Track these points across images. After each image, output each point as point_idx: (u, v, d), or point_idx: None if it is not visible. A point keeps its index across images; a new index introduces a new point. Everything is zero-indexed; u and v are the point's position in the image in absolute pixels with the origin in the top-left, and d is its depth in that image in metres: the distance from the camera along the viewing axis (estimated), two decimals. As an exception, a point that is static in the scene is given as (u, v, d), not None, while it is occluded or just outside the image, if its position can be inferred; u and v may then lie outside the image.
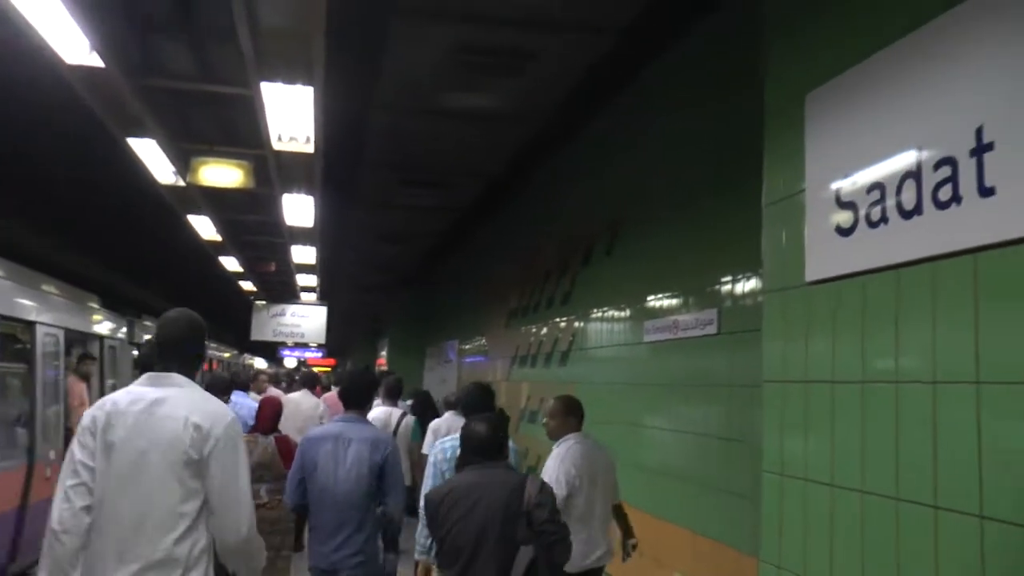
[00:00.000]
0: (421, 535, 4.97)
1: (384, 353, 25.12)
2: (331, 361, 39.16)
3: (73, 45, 5.51)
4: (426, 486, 5.21)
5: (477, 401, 5.51)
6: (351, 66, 6.14)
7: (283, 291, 21.73)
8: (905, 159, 3.05)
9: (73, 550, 3.18)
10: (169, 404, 3.27)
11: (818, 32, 3.74)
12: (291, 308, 21.58)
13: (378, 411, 7.82)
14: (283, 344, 29.11)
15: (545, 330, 10.83)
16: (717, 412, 6.02)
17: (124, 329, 13.53)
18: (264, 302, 21.64)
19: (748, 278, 5.70)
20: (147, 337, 14.74)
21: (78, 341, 11.22)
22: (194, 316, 3.55)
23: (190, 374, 3.45)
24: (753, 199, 4.94)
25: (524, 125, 9.36)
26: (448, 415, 8.00)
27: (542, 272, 11.11)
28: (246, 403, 9.46)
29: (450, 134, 9.61)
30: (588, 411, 7.14)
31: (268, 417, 7.09)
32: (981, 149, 2.70)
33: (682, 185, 6.82)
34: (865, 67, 3.32)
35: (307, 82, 6.19)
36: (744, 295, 5.76)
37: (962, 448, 2.75)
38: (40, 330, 9.42)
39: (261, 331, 21.30)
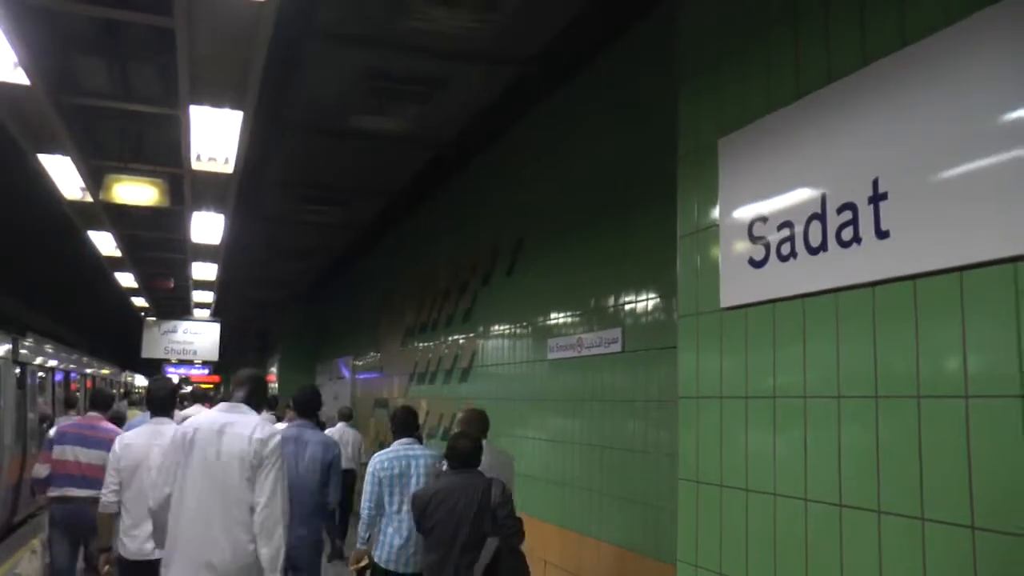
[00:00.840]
0: (361, 530, 6.04)
1: (274, 369, 24.88)
2: (215, 378, 38.45)
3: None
4: (367, 492, 5.93)
5: (408, 423, 6.36)
6: (272, 90, 6.30)
7: (176, 307, 21.37)
8: (812, 202, 3.48)
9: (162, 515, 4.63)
10: (238, 425, 4.67)
11: (727, 83, 4.17)
12: (183, 325, 21.30)
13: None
14: (167, 361, 28.51)
15: (445, 348, 11.06)
16: (623, 426, 6.38)
17: (7, 347, 13.20)
18: (154, 319, 21.25)
19: (651, 299, 6.08)
20: (30, 358, 14.46)
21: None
22: (259, 373, 5.35)
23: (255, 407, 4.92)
24: (657, 222, 5.35)
25: (428, 147, 9.65)
26: (340, 425, 10.52)
27: (441, 290, 11.35)
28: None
29: (354, 154, 9.80)
30: (494, 425, 7.53)
31: None
32: (877, 198, 3.14)
33: (586, 207, 7.14)
34: (778, 116, 3.75)
35: (237, 106, 6.36)
36: (648, 314, 6.13)
37: (863, 453, 3.17)
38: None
39: (152, 349, 20.94)
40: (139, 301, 21.07)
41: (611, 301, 6.69)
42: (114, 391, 26.46)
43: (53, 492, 7.42)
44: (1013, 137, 2.68)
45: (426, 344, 12.04)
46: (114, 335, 26.71)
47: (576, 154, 7.49)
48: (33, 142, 7.60)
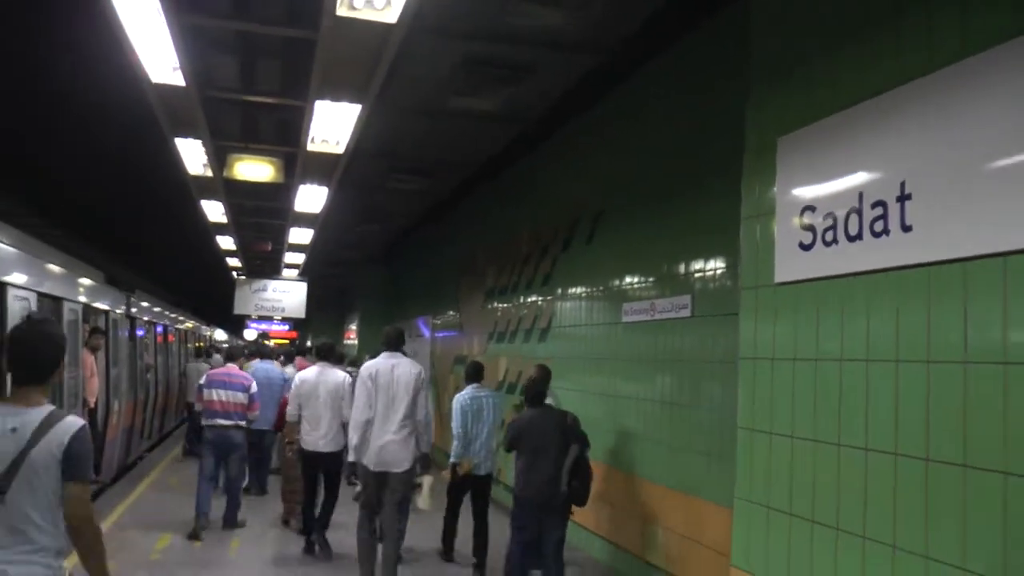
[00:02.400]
0: (457, 448, 8.27)
1: (354, 327, 25.95)
2: (293, 334, 39.95)
3: (162, 65, 6.51)
4: (457, 421, 8.32)
5: (477, 372, 8.80)
6: (384, 82, 7.09)
7: (266, 267, 22.49)
8: (852, 198, 4.19)
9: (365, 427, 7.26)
10: (405, 363, 7.41)
11: (791, 90, 4.87)
12: (272, 284, 22.38)
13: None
14: (249, 317, 29.81)
15: (525, 309, 11.84)
16: (691, 385, 7.13)
17: (124, 304, 14.37)
18: (245, 278, 22.42)
19: (719, 269, 6.77)
20: (139, 314, 15.70)
21: (90, 315, 12.10)
22: (400, 328, 8.01)
23: (403, 352, 7.59)
24: (723, 198, 6.01)
25: (516, 123, 10.38)
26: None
27: (522, 254, 12.05)
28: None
29: (447, 130, 10.58)
30: (567, 381, 8.42)
31: None
32: (904, 198, 3.84)
33: (660, 183, 7.81)
34: (828, 122, 4.45)
35: (356, 101, 7.22)
36: (715, 282, 6.83)
37: (886, 407, 3.90)
38: (66, 306, 10.27)
39: (243, 305, 22.14)
40: (233, 262, 22.29)
41: (682, 269, 7.38)
42: (200, 344, 28.15)
43: (206, 422, 9.93)
44: (1008, 159, 3.36)
45: (506, 305, 12.78)
46: (208, 293, 28.13)
47: (652, 133, 8.15)
48: (172, 128, 8.59)
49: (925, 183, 3.77)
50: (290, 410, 8.98)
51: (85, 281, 11.62)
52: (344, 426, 8.49)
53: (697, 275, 7.12)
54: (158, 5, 5.35)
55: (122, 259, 21.45)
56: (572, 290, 10.06)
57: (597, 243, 9.37)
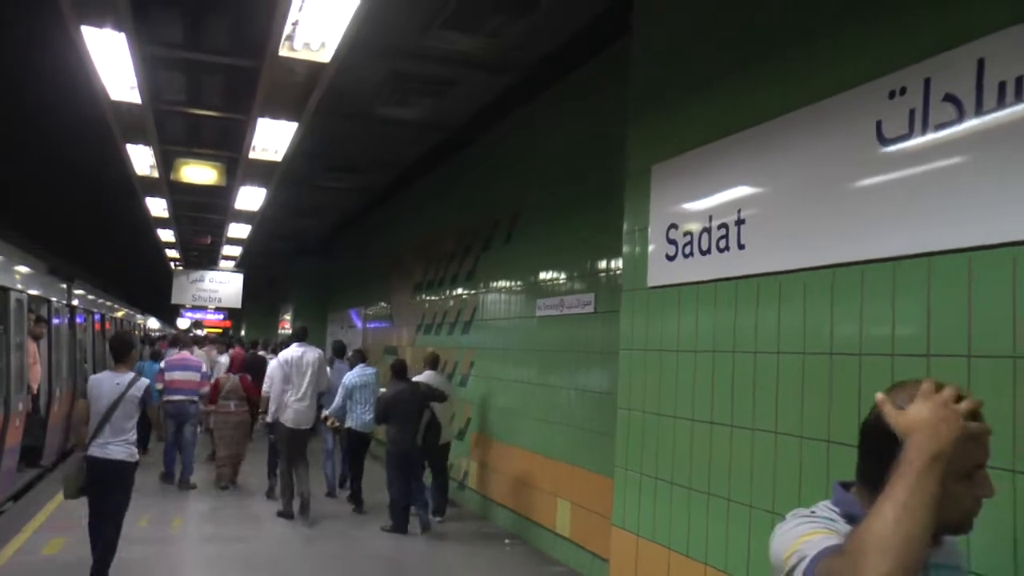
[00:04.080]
0: (336, 411, 11.12)
1: (288, 317, 26.56)
2: (227, 323, 40.34)
3: (121, 85, 7.24)
4: (341, 392, 11.11)
5: (362, 358, 11.89)
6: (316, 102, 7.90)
7: (203, 259, 23.06)
8: (704, 219, 5.13)
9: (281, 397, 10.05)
10: (311, 351, 10.28)
11: (661, 124, 5.80)
12: (209, 274, 22.95)
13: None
14: (183, 306, 30.23)
15: (450, 302, 12.68)
16: (591, 372, 8.04)
17: (65, 293, 14.87)
18: (183, 268, 22.93)
19: (617, 271, 7.67)
20: (78, 302, 16.19)
21: (34, 304, 12.63)
22: (304, 326, 11.19)
23: (309, 343, 10.44)
24: (623, 209, 6.88)
25: (439, 130, 11.24)
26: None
27: (447, 251, 12.90)
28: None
29: (376, 134, 11.40)
30: (489, 370, 9.29)
31: (237, 365, 13.18)
32: (740, 222, 4.79)
33: (571, 190, 8.66)
34: (689, 155, 5.39)
35: (293, 119, 8.02)
36: (614, 282, 7.72)
37: (725, 387, 4.86)
38: (12, 296, 10.82)
39: (181, 296, 22.66)
40: (172, 253, 22.78)
41: (588, 270, 8.28)
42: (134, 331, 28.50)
43: (167, 398, 12.17)
44: (814, 197, 4.32)
45: (433, 298, 13.61)
46: (146, 282, 28.55)
47: (563, 145, 9.04)
48: (123, 135, 9.27)
49: (754, 211, 4.72)
50: (272, 388, 10.56)
51: (29, 272, 12.15)
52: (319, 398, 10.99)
53: (600, 275, 8.01)
54: (124, 38, 6.08)
55: (63, 249, 21.82)
56: (493, 285, 10.92)
57: (514, 243, 10.24)
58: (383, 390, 10.56)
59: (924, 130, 3.69)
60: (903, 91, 3.80)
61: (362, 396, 11.00)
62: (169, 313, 40.28)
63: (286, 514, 10.17)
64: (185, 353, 13.05)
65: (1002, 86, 3.34)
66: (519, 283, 10.04)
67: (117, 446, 6.85)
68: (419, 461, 9.92)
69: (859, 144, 4.01)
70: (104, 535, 6.90)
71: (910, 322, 3.71)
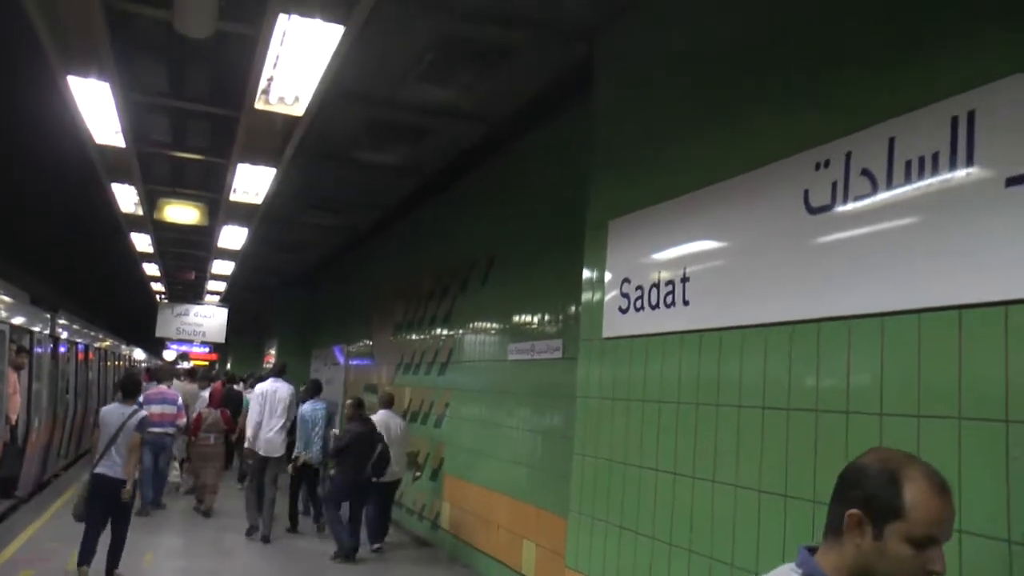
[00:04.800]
0: (300, 445, 11.71)
1: (272, 351, 26.70)
2: (213, 356, 40.44)
3: (106, 129, 7.52)
4: (300, 427, 11.79)
5: (318, 390, 12.48)
6: (293, 150, 8.21)
7: (188, 293, 23.28)
8: (654, 275, 5.39)
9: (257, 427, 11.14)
10: (284, 386, 11.27)
11: (616, 184, 6.08)
12: (194, 308, 23.13)
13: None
14: (168, 339, 30.36)
15: (428, 343, 12.90)
16: (559, 416, 8.25)
17: (47, 324, 15.03)
18: (168, 302, 23.13)
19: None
20: (62, 333, 16.35)
21: (16, 334, 12.79)
22: (283, 363, 11.30)
23: (286, 380, 11.63)
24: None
25: (417, 175, 11.53)
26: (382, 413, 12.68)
27: (426, 292, 13.13)
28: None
29: (355, 177, 11.67)
30: (463, 411, 9.48)
31: (217, 399, 13.77)
32: (685, 280, 5.05)
33: (543, 237, 8.89)
34: (642, 214, 5.65)
35: (272, 165, 8.30)
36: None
37: (669, 436, 5.08)
38: (-7, 328, 11.01)
39: (165, 329, 22.82)
40: (157, 287, 23.01)
41: (558, 317, 8.51)
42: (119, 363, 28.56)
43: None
44: (749, 259, 4.58)
45: (412, 338, 13.80)
46: (131, 314, 28.78)
47: (534, 194, 9.29)
48: (108, 175, 9.55)
49: (698, 269, 4.99)
50: (250, 418, 11.88)
51: (11, 302, 12.32)
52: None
53: (569, 322, 8.24)
54: (107, 87, 6.36)
55: (48, 280, 22.03)
56: (468, 327, 11.14)
57: (490, 286, 10.48)
58: (334, 431, 12.19)
59: (845, 200, 3.96)
60: (827, 163, 4.08)
61: (308, 430, 11.70)
62: (155, 345, 40.40)
63: (252, 529, 11.47)
64: (163, 387, 14.02)
65: (908, 164, 3.61)
66: (493, 326, 10.26)
67: (120, 466, 8.23)
68: (366, 494, 10.84)
69: (789, 211, 4.28)
70: (114, 534, 8.43)
71: (833, 378, 3.95)
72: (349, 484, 10.59)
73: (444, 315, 12.17)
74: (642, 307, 5.49)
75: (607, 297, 5.98)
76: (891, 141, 3.72)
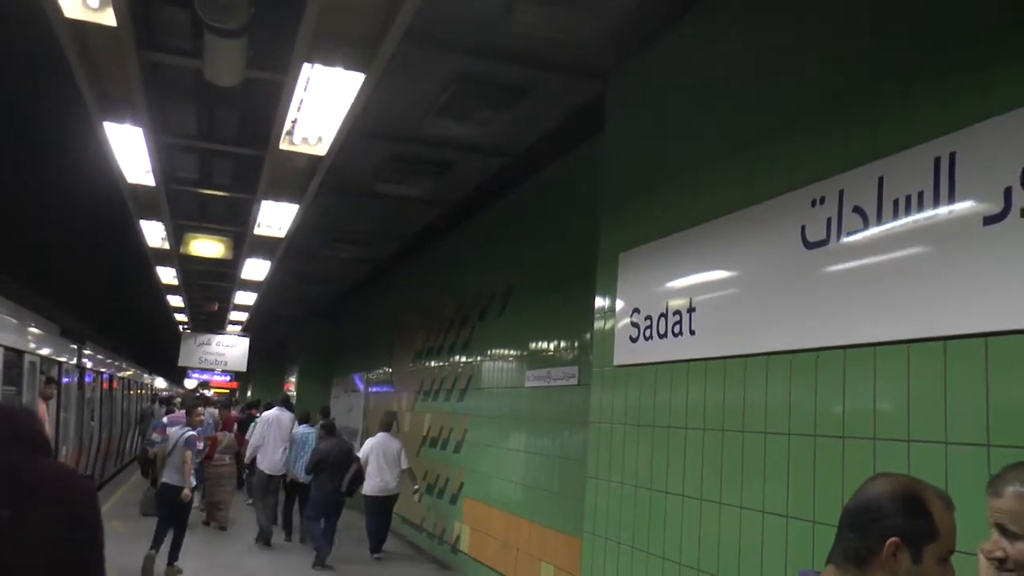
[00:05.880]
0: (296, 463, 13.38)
1: (293, 379, 27.02)
2: (234, 384, 40.81)
3: (138, 169, 7.87)
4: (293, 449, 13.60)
5: (306, 418, 14.17)
6: (316, 188, 8.51)
7: (211, 323, 23.66)
8: (662, 306, 5.62)
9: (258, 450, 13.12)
10: (285, 414, 13.03)
11: (627, 218, 6.33)
12: (216, 338, 23.52)
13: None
14: (191, 368, 30.77)
15: (448, 370, 13.16)
16: (575, 441, 8.46)
17: (75, 355, 15.43)
18: (191, 331, 23.52)
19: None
20: (88, 363, 16.74)
21: (46, 365, 13.15)
22: (286, 395, 14.30)
23: (290, 408, 13.40)
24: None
25: (439, 206, 11.82)
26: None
27: (447, 320, 13.40)
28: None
29: (379, 209, 11.99)
30: (482, 437, 9.70)
31: (229, 425, 15.29)
32: (691, 310, 5.28)
33: (562, 267, 9.08)
34: (651, 246, 5.90)
35: (295, 201, 8.61)
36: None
37: (693, 461, 5.30)
38: (26, 359, 11.36)
39: (188, 358, 23.20)
40: (180, 317, 23.41)
41: (574, 344, 8.74)
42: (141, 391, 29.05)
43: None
44: (750, 291, 4.81)
45: (432, 365, 14.07)
46: (155, 343, 29.26)
47: (553, 225, 9.54)
48: (138, 212, 9.90)
49: (704, 301, 5.23)
50: (252, 439, 13.82)
51: (43, 335, 12.70)
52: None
53: (584, 350, 8.47)
54: (141, 131, 6.69)
55: (77, 312, 22.53)
56: (487, 355, 11.39)
57: (508, 315, 10.73)
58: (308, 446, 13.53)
59: (839, 236, 4.19)
60: (823, 200, 4.32)
61: (298, 451, 13.48)
62: (176, 374, 40.83)
63: (264, 534, 13.01)
64: (180, 412, 15.08)
65: (896, 202, 3.84)
66: (511, 354, 10.50)
67: (176, 473, 10.28)
68: (339, 506, 12.12)
69: (788, 245, 4.52)
70: (175, 528, 10.24)
71: (830, 405, 4.16)
72: (322, 499, 11.98)
73: (463, 343, 12.41)
74: (651, 336, 5.72)
75: (618, 326, 6.22)
76: (880, 180, 3.96)
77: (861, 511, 2.11)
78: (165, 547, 10.16)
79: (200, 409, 13.67)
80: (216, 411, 18.22)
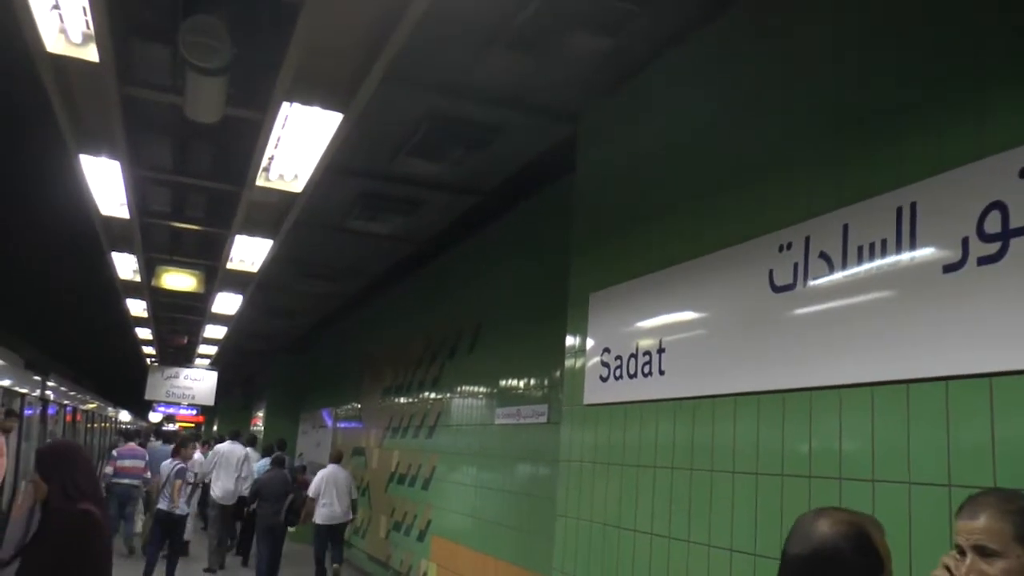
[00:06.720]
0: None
1: (260, 413, 26.84)
2: (200, 418, 40.40)
3: (112, 202, 7.88)
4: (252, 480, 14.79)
5: (235, 435, 16.15)
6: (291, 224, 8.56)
7: (179, 356, 23.51)
8: (632, 346, 5.72)
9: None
10: (238, 447, 14.48)
11: (597, 259, 6.44)
12: (184, 371, 23.38)
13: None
14: (157, 400, 30.48)
15: (417, 407, 13.17)
16: (545, 479, 8.50)
17: (39, 387, 15.24)
18: (158, 364, 23.36)
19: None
20: (51, 396, 16.56)
21: (8, 397, 12.99)
22: (237, 430, 14.20)
23: (242, 441, 13.94)
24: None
25: (409, 244, 11.89)
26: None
27: (415, 357, 13.46)
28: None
29: (349, 245, 12.04)
30: (451, 474, 9.71)
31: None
32: (661, 351, 5.38)
33: (530, 306, 9.19)
34: (621, 287, 6.00)
35: (269, 237, 8.65)
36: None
37: (658, 499, 5.37)
38: (-11, 390, 11.23)
39: (155, 392, 23.02)
40: (149, 349, 23.25)
41: (544, 382, 8.80)
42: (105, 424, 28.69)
43: (115, 480, 15.69)
44: (720, 333, 4.92)
45: (401, 402, 14.09)
46: (121, 376, 29.00)
47: (522, 264, 9.62)
48: (110, 245, 9.88)
49: (673, 342, 5.32)
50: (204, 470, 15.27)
51: (4, 366, 12.55)
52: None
53: (554, 388, 8.55)
54: (118, 165, 6.73)
55: (43, 344, 22.30)
56: (456, 392, 11.43)
57: (477, 352, 10.79)
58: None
59: (805, 281, 4.31)
60: (790, 246, 4.44)
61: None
62: (141, 407, 40.43)
63: (215, 560, 14.43)
64: (133, 444, 16.94)
65: (860, 249, 3.97)
66: (481, 391, 10.54)
67: (168, 502, 11.94)
68: (279, 534, 13.30)
69: (756, 288, 4.63)
70: (171, 549, 12.20)
71: (798, 445, 4.26)
72: (263, 526, 13.24)
73: (433, 380, 12.44)
74: (621, 376, 5.80)
75: (588, 365, 6.30)
76: (845, 227, 4.08)
77: (819, 559, 2.13)
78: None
79: (194, 444, 14.99)
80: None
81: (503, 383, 9.85)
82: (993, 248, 3.34)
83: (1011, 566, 2.29)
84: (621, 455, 5.75)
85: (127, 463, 16.06)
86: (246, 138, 6.38)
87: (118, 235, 9.44)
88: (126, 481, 15.92)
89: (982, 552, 2.32)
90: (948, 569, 2.35)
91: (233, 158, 7.01)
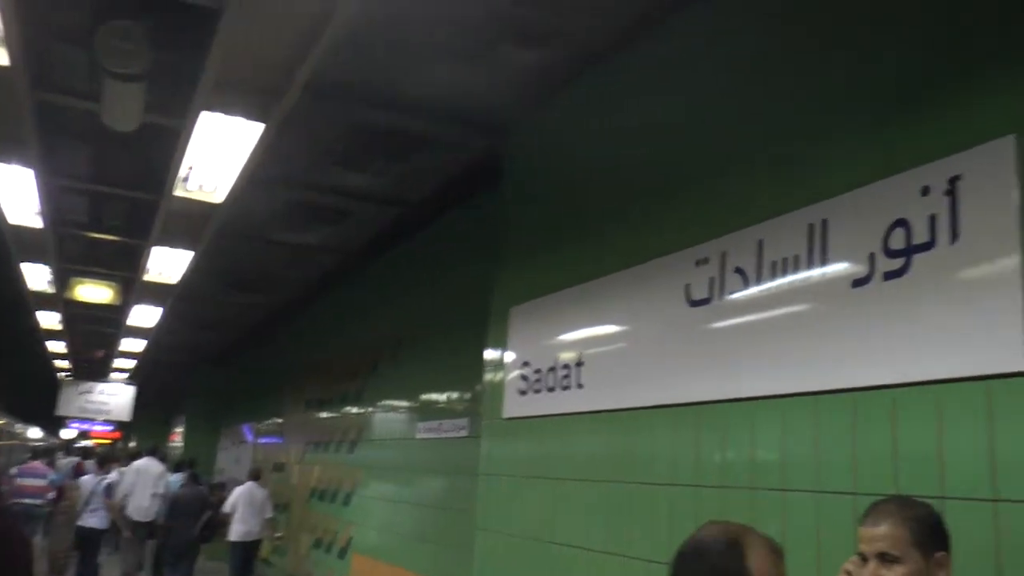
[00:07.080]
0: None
1: (180, 429, 26.28)
2: (116, 434, 39.40)
3: (24, 211, 7.67)
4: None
5: (151, 451, 15.11)
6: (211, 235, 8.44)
7: (94, 370, 22.88)
8: (551, 360, 5.76)
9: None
10: (155, 464, 12.92)
11: (518, 274, 6.48)
12: (99, 386, 22.77)
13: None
14: (72, 418, 29.69)
15: (339, 422, 13.03)
16: (468, 493, 8.45)
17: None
18: (71, 379, 22.71)
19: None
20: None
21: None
22: (155, 446, 12.59)
23: (160, 458, 11.32)
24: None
25: (335, 256, 11.79)
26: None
27: (338, 372, 13.29)
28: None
29: (275, 256, 11.88)
30: (372, 489, 9.63)
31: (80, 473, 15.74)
32: (580, 364, 5.42)
33: (449, 319, 9.15)
34: (540, 301, 6.05)
35: (190, 248, 8.51)
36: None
37: (573, 513, 5.39)
38: None
39: (68, 407, 22.38)
40: (62, 363, 22.62)
41: (466, 396, 8.77)
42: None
43: (14, 500, 14.56)
44: (637, 347, 4.98)
45: (323, 416, 13.91)
46: (30, 391, 28.10)
47: (443, 277, 9.59)
48: (20, 254, 9.61)
49: (592, 355, 5.38)
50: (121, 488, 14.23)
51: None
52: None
53: (476, 402, 8.52)
54: (32, 173, 6.57)
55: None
56: (379, 406, 11.33)
57: (399, 367, 10.69)
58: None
59: (721, 295, 4.39)
60: (706, 260, 4.52)
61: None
62: (53, 423, 39.23)
63: None
64: (36, 463, 16.22)
65: (774, 264, 4.07)
66: (403, 405, 10.48)
67: (92, 517, 12.18)
68: (193, 550, 13.47)
69: (673, 302, 4.71)
70: (88, 566, 12.46)
71: (714, 456, 4.33)
72: (176, 542, 13.24)
73: (356, 394, 12.32)
74: (541, 389, 5.84)
75: (508, 379, 6.32)
76: (760, 243, 4.18)
77: (687, 555, 2.19)
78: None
79: (124, 460, 14.96)
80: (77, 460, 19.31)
81: (425, 397, 9.80)
82: (898, 263, 3.45)
83: (910, 570, 2.37)
84: (542, 468, 5.78)
85: (27, 482, 15.38)
86: (166, 147, 6.29)
87: (30, 245, 9.18)
88: (27, 501, 15.05)
89: (883, 558, 2.40)
90: (848, 574, 2.42)
91: (153, 167, 6.90)
